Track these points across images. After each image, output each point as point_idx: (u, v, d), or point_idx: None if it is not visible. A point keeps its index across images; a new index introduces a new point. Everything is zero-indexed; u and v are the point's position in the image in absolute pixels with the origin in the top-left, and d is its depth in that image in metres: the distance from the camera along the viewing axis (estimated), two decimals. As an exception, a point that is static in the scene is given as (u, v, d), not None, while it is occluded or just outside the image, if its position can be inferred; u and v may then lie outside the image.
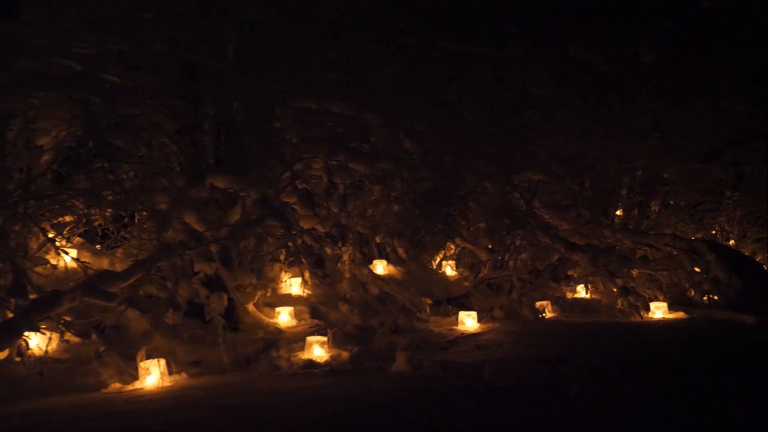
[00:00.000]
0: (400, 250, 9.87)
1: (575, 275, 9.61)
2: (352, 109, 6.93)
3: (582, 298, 9.51)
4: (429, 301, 8.31)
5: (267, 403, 4.74)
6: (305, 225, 7.41)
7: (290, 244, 6.14)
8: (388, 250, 9.94)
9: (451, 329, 7.55)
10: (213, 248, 6.57)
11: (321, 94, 6.87)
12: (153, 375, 5.28)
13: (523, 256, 10.36)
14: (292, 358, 6.31)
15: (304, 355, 6.32)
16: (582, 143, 9.62)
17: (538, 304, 8.57)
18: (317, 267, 6.89)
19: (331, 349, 6.50)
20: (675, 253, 9.24)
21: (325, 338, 6.45)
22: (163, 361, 5.33)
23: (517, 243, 9.66)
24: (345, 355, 6.48)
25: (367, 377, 5.51)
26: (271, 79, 6.72)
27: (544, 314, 8.38)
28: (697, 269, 9.14)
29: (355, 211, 8.51)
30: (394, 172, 7.01)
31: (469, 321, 7.64)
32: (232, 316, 6.94)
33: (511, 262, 10.15)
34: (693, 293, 8.87)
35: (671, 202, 12.40)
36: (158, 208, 5.78)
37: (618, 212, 11.81)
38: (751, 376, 5.35)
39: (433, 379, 5.31)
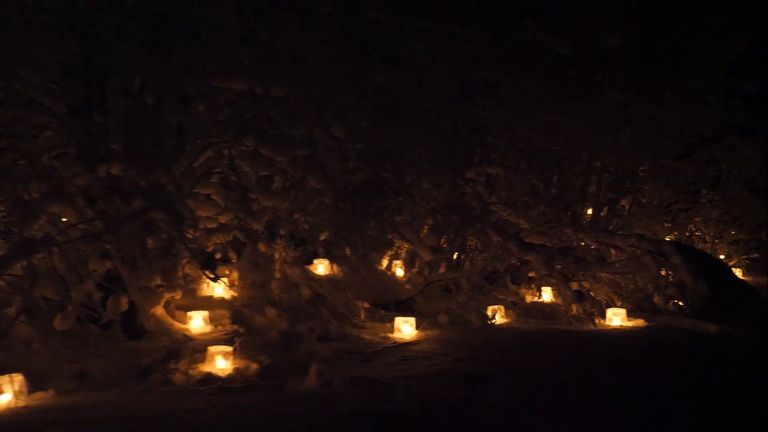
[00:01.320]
0: (347, 250, 9.12)
1: (537, 277, 8.88)
2: (269, 89, 6.16)
3: (542, 302, 8.80)
4: (366, 305, 7.58)
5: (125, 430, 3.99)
6: (223, 219, 6.65)
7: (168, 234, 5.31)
8: (334, 248, 9.20)
9: (386, 337, 6.81)
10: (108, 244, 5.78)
11: (237, 71, 6.09)
12: (6, 393, 4.50)
13: (481, 256, 9.64)
14: (191, 371, 5.53)
15: (205, 368, 5.56)
16: (544, 135, 8.88)
17: (490, 308, 7.86)
18: (206, 268, 6.10)
19: (238, 361, 5.74)
20: (640, 254, 8.53)
21: (230, 348, 5.68)
22: (18, 377, 4.55)
23: (470, 242, 8.91)
24: (254, 367, 5.72)
25: (263, 396, 4.75)
26: (182, 54, 5.95)
27: (494, 320, 7.66)
28: (663, 272, 8.45)
29: (294, 205, 7.73)
30: (315, 161, 6.22)
31: (406, 328, 6.90)
32: (134, 321, 6.18)
33: (467, 263, 9.42)
34: (657, 299, 8.16)
35: (643, 200, 11.68)
36: (25, 198, 4.99)
37: (588, 211, 11.10)
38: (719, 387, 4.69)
39: (335, 401, 4.56)
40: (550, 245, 8.51)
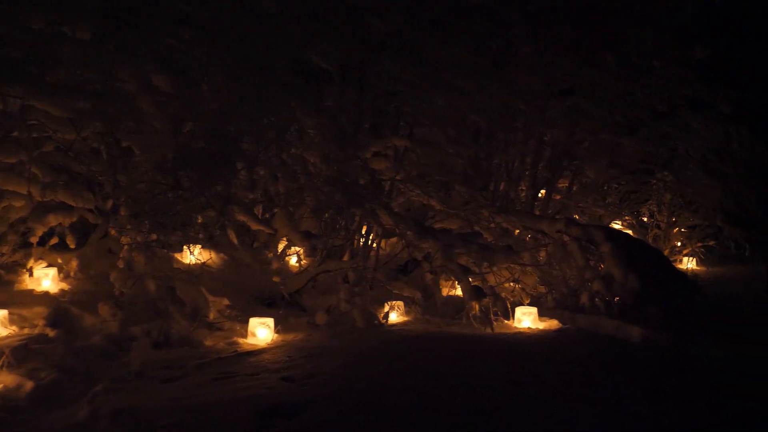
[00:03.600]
0: (232, 234, 7.80)
1: (437, 267, 7.59)
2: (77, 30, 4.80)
3: (457, 297, 7.55)
4: (226, 302, 6.27)
5: None
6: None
7: None
8: (218, 233, 7.88)
9: (234, 343, 5.54)
10: None
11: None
12: None
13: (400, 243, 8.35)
14: (-67, 392, 4.21)
15: (-45, 388, 4.24)
16: (457, 103, 7.58)
17: (387, 305, 6.63)
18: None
19: (8, 377, 4.43)
20: (567, 241, 7.29)
21: (-7, 362, 4.37)
22: None
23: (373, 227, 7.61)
24: (28, 387, 4.40)
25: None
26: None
27: (385, 320, 6.42)
28: (591, 263, 7.22)
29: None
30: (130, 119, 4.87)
31: (261, 332, 5.62)
32: None
33: (373, 251, 8.13)
34: (583, 295, 6.93)
35: (586, 181, 10.39)
36: None
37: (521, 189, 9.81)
38: None
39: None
40: (456, 231, 7.24)
